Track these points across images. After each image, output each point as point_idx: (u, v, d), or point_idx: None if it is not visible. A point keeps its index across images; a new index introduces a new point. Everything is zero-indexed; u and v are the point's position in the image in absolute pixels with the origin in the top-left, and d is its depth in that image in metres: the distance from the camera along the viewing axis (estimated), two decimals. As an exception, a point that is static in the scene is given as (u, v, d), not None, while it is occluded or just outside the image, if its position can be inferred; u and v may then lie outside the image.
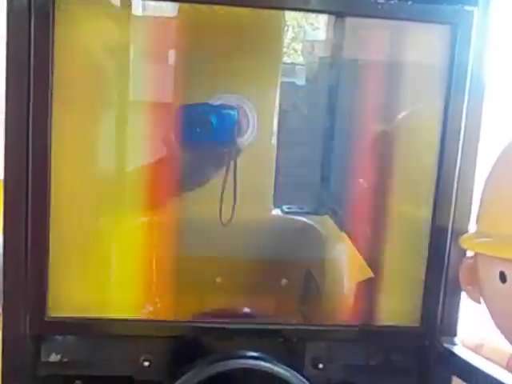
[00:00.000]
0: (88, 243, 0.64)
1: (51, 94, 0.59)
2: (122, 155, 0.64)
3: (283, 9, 0.65)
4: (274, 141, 0.65)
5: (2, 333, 0.63)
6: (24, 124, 0.59)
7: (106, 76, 0.62)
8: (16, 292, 0.61)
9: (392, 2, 0.64)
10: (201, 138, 0.63)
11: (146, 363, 0.67)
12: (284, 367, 0.62)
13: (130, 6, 0.62)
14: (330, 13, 0.66)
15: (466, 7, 0.65)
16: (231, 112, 0.62)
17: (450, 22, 0.65)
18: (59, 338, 0.67)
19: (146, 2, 0.66)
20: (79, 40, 0.61)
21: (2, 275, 0.61)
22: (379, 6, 0.64)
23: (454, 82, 0.66)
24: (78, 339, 0.67)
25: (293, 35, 0.70)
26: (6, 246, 0.61)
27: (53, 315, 0.63)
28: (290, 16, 0.68)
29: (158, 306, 0.65)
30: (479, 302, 0.58)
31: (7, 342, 0.63)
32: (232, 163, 0.64)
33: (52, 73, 0.59)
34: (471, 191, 0.66)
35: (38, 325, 0.63)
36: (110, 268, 0.64)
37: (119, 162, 0.64)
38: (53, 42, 0.59)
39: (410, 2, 0.65)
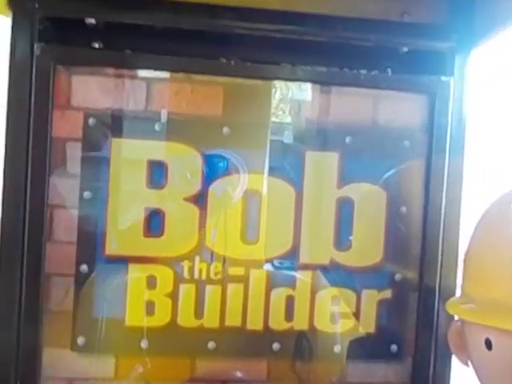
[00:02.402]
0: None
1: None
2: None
3: (273, 79, 0.69)
4: (264, 196, 0.67)
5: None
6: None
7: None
8: (7, 364, 0.61)
9: (373, 73, 0.69)
10: (193, 185, 0.65)
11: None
12: None
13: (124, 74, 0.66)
14: (316, 83, 0.70)
15: (443, 78, 0.70)
16: (222, 162, 0.65)
17: (428, 91, 0.69)
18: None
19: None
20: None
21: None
22: (362, 77, 0.68)
23: (435, 145, 0.69)
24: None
25: (281, 97, 0.74)
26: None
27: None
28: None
29: (149, 366, 0.65)
30: (468, 366, 0.58)
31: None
32: (223, 216, 0.65)
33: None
34: (456, 253, 0.68)
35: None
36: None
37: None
38: (53, 99, 0.62)
39: (389, 73, 0.69)
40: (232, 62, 0.65)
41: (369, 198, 0.69)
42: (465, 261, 0.61)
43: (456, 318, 0.63)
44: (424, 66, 0.69)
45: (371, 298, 0.68)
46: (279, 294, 0.68)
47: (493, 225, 0.57)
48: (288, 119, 0.73)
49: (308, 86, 0.71)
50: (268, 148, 0.68)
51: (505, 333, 0.49)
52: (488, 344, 0.51)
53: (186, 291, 0.66)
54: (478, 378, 0.56)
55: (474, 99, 0.72)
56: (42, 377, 0.63)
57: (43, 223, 0.62)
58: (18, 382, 0.61)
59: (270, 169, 0.68)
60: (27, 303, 0.61)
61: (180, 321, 0.66)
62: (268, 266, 0.68)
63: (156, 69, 0.67)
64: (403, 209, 0.69)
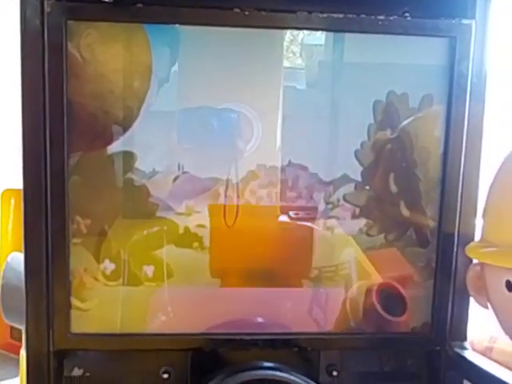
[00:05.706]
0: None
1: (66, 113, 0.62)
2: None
3: (287, 28, 0.68)
4: (278, 147, 0.66)
5: (26, 349, 0.66)
6: (41, 144, 0.62)
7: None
8: (39, 309, 0.64)
9: (391, 18, 0.66)
10: (202, 141, 0.64)
11: (166, 375, 0.69)
12: (301, 377, 0.64)
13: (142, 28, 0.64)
14: (331, 31, 0.68)
15: (464, 20, 0.67)
16: (232, 115, 0.64)
17: (448, 35, 0.67)
18: (81, 353, 0.69)
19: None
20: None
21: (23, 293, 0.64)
22: (379, 23, 0.66)
23: (455, 92, 0.68)
24: (100, 354, 0.69)
25: (291, 38, 0.70)
26: (27, 262, 0.64)
27: (76, 331, 0.66)
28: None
29: (171, 315, 0.67)
30: (487, 308, 0.60)
31: (31, 358, 0.65)
32: (234, 167, 0.65)
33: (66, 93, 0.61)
34: (475, 199, 0.67)
35: (62, 340, 0.65)
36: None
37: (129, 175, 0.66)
38: (67, 65, 0.61)
39: (408, 18, 0.67)
40: (246, 12, 0.64)
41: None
42: (485, 207, 0.61)
43: (474, 261, 0.64)
44: (443, 8, 0.66)
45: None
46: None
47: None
48: (299, 61, 0.70)
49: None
50: (281, 90, 0.66)
51: (526, 274, 0.50)
52: (509, 286, 0.52)
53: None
54: (498, 319, 0.57)
55: (496, 43, 0.69)
56: None
57: (64, 183, 0.63)
58: None
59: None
60: None
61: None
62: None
63: (169, 22, 0.65)
64: (422, 156, 0.69)
